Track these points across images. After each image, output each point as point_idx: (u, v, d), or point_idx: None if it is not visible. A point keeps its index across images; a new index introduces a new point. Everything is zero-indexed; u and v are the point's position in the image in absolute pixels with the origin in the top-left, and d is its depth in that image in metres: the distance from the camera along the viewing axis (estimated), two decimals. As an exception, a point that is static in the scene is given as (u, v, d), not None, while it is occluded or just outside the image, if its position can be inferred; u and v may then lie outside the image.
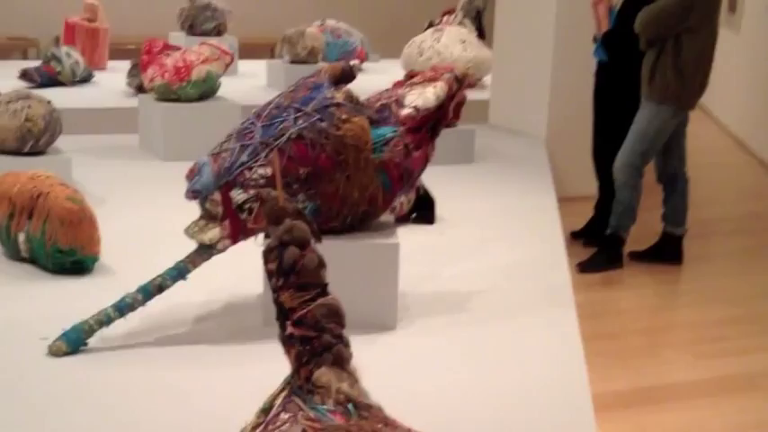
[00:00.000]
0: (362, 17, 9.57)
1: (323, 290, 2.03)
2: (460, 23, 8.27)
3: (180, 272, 3.05)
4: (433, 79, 3.18)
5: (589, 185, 5.93)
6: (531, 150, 6.28)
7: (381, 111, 3.10)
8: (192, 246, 3.10)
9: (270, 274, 2.02)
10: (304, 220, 2.03)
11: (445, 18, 8.58)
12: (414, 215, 4.55)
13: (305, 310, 2.00)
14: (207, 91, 5.78)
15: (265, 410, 2.02)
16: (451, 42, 7.70)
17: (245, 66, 8.27)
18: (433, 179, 4.81)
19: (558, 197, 6.05)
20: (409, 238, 4.12)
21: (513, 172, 5.73)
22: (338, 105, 3.00)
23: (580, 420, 2.81)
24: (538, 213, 4.91)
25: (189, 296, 3.31)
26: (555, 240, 4.46)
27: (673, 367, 4.26)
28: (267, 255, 2.01)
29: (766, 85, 8.15)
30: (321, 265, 2.04)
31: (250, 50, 8.87)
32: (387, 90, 3.24)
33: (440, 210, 4.68)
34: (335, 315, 2.02)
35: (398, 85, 3.26)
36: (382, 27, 9.67)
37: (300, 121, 3.00)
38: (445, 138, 5.40)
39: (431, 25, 8.40)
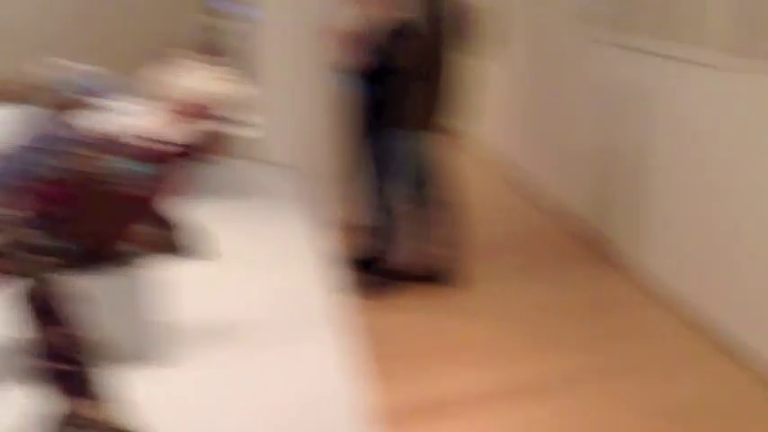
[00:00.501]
0: (103, 55, 9.39)
1: (74, 326, 2.05)
2: (204, 61, 8.27)
3: None
4: (182, 113, 3.15)
5: (361, 215, 6.03)
6: (298, 183, 6.34)
7: (127, 144, 3.04)
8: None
9: (25, 314, 2.02)
10: (53, 260, 2.05)
11: (190, 55, 8.57)
12: (177, 250, 4.49)
13: (60, 347, 2.01)
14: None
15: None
16: (199, 78, 7.67)
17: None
18: (200, 213, 4.77)
19: (331, 228, 6.16)
20: (178, 271, 4.09)
21: (280, 204, 5.77)
22: (78, 141, 2.91)
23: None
24: (305, 243, 4.95)
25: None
26: (322, 268, 4.52)
27: (448, 380, 4.36)
28: (20, 295, 2.02)
29: (524, 111, 8.62)
30: (73, 301, 2.06)
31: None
32: (133, 124, 3.18)
33: (207, 243, 4.63)
34: (87, 349, 2.04)
35: (147, 119, 3.21)
36: (125, 65, 9.51)
37: (40, 160, 2.89)
38: (208, 172, 5.37)
39: (176, 62, 8.36)
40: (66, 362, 2.03)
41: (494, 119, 9.59)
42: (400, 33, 5.27)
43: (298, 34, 6.53)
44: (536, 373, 4.47)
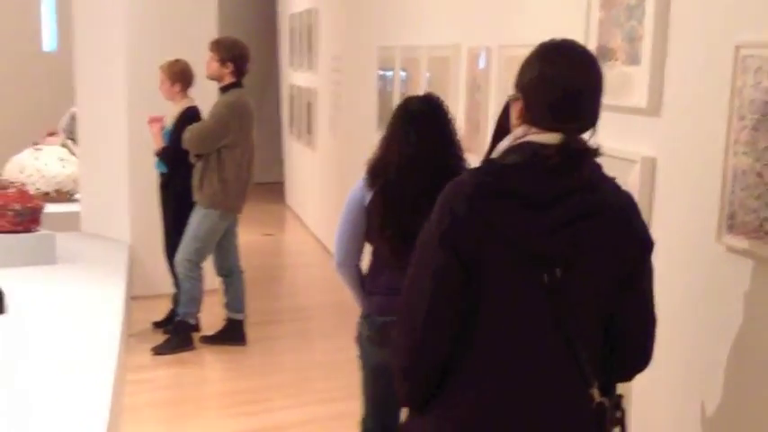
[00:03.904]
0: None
1: None
2: (63, 144, 8.90)
3: None
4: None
5: (170, 281, 6.69)
6: (114, 254, 6.99)
7: None
8: None
9: None
10: None
11: (48, 139, 9.20)
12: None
13: None
14: None
15: None
16: (50, 160, 8.32)
17: None
18: (12, 277, 5.47)
19: (144, 295, 6.83)
20: None
21: (92, 272, 6.41)
22: None
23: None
24: (105, 304, 5.63)
25: None
26: (113, 326, 5.19)
27: (216, 424, 5.09)
28: None
29: (336, 194, 9.44)
30: None
31: None
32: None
33: (13, 302, 5.26)
34: None
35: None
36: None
37: None
38: (27, 241, 6.10)
39: (35, 144, 8.97)
40: None
41: (314, 200, 10.39)
42: (184, 118, 6.06)
43: (118, 120, 7.25)
44: (292, 417, 5.25)
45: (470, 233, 2.06)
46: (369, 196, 3.39)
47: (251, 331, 6.44)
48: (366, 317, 3.47)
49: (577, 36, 3.70)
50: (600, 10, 3.58)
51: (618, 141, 3.34)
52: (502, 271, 2.08)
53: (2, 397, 3.99)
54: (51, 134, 9.39)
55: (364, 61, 7.85)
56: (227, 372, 6.01)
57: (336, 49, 9.23)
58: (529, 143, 2.13)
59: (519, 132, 2.16)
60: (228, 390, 5.69)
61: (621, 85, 3.41)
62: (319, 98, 10.09)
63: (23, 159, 8.35)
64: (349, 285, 3.59)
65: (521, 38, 4.33)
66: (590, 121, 2.17)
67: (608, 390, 2.23)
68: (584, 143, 2.15)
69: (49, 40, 12.66)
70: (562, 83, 2.11)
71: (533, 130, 2.14)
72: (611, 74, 3.47)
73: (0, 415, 3.81)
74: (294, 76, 11.82)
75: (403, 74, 6.59)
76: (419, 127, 3.34)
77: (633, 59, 3.32)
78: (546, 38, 4.00)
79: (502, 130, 2.33)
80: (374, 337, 3.41)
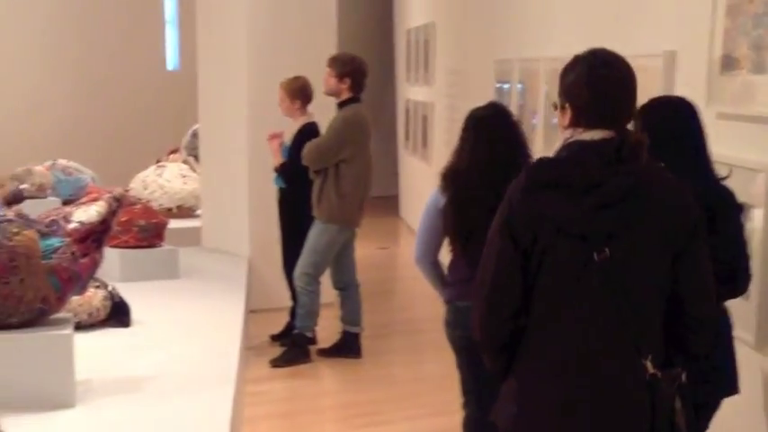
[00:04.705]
0: (94, 157, 10.20)
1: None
2: (185, 161, 9.14)
3: None
4: (96, 200, 3.97)
5: (288, 295, 6.77)
6: (233, 268, 7.13)
7: (51, 225, 3.86)
8: None
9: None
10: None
11: (171, 156, 9.47)
12: (110, 320, 5.27)
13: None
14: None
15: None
16: (173, 177, 8.55)
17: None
18: (137, 291, 5.63)
19: (262, 308, 6.93)
20: (106, 336, 5.09)
21: (213, 286, 6.56)
22: (9, 221, 3.74)
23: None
24: (225, 317, 5.75)
25: None
26: (233, 339, 5.30)
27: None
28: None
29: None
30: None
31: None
32: (57, 208, 4.01)
33: (138, 315, 5.42)
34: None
35: (68, 204, 4.03)
36: (114, 165, 10.28)
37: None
38: (151, 256, 6.27)
39: (158, 161, 9.24)
40: None
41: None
42: (303, 134, 6.12)
43: (238, 136, 7.40)
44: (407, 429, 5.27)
45: (524, 220, 2.36)
46: (442, 201, 3.74)
47: (366, 344, 6.45)
48: (447, 302, 3.89)
49: (702, 45, 3.62)
50: (725, 19, 3.47)
51: (742, 151, 3.23)
52: (554, 253, 2.35)
53: (126, 408, 4.10)
54: (173, 151, 9.66)
55: (481, 74, 7.82)
56: (343, 384, 6.05)
57: (453, 62, 9.23)
58: (575, 141, 2.38)
59: (567, 134, 2.42)
60: (344, 402, 5.73)
61: (746, 94, 3.30)
62: (435, 112, 10.10)
63: (147, 176, 8.60)
64: (427, 277, 4.08)
65: (642, 48, 4.23)
66: (627, 115, 2.41)
67: (669, 365, 2.39)
68: (633, 136, 2.38)
69: (172, 59, 13.03)
70: (600, 76, 2.35)
71: (579, 130, 2.38)
72: (736, 82, 3.37)
73: (124, 427, 3.92)
74: (410, 91, 11.88)
75: (520, 86, 6.53)
76: (485, 133, 3.67)
77: (759, 68, 3.21)
78: (669, 48, 3.94)
79: None
80: (452, 321, 3.84)
